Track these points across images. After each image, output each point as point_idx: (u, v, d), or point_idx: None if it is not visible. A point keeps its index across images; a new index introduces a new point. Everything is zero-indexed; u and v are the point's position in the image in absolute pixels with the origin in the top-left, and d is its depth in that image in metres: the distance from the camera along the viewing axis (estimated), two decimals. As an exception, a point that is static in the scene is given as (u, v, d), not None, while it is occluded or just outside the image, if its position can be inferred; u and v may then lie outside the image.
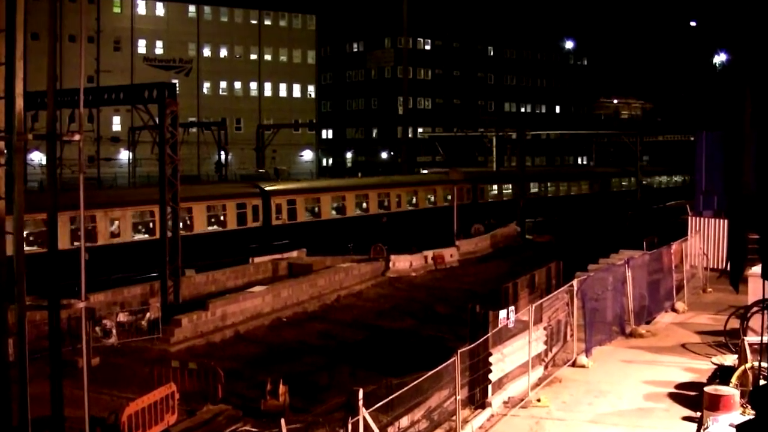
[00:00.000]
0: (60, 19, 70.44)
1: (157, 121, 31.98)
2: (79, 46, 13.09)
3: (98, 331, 27.51)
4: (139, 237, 39.54)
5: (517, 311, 18.17)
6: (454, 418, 15.44)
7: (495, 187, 67.06)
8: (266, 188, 47.71)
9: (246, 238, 44.46)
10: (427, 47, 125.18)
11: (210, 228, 44.06)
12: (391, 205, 55.02)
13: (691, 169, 41.28)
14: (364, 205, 53.76)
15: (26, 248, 37.45)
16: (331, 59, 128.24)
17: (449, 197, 57.48)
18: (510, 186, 67.93)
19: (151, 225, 39.41)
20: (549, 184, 75.34)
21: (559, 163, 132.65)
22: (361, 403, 13.05)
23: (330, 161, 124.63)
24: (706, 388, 15.73)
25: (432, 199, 58.88)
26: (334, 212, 51.58)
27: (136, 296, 32.15)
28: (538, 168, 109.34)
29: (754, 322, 20.57)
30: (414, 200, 57.56)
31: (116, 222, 38.84)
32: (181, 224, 40.94)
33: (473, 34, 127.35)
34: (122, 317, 28.98)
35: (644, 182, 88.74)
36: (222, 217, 44.62)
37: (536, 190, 72.34)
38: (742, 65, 29.17)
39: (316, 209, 50.56)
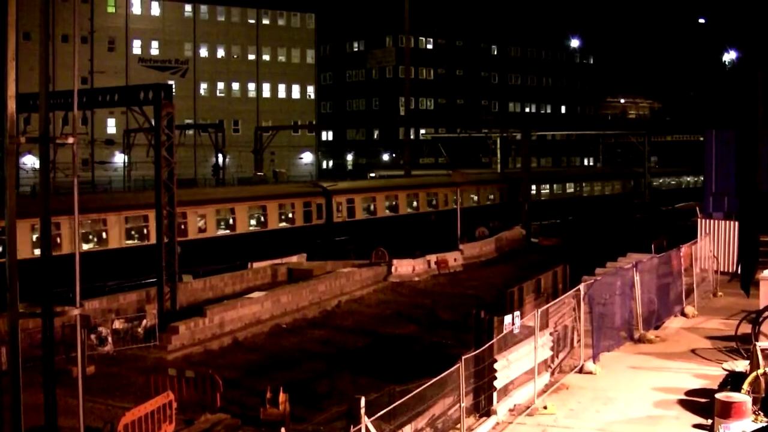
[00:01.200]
0: (52, 18, 70.58)
1: (152, 123, 31.97)
2: (73, 46, 13.14)
3: (93, 338, 27.52)
4: (221, 232, 44.42)
5: (522, 316, 18.16)
6: (458, 426, 15.42)
7: (533, 187, 70.25)
8: (328, 188, 52.41)
9: (311, 234, 48.73)
10: (430, 46, 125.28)
11: (281, 224, 48.10)
12: (439, 204, 58.61)
13: (701, 170, 41.27)
14: (414, 203, 58.21)
15: (129, 242, 37.16)
16: (330, 59, 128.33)
17: (491, 196, 63.55)
18: (548, 186, 72.56)
19: (231, 221, 44.95)
20: (584, 184, 78.24)
21: (566, 164, 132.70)
22: (363, 411, 13.04)
23: (330, 163, 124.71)
24: (717, 395, 15.71)
25: (475, 198, 63.02)
26: (387, 211, 55.58)
27: (132, 303, 32.15)
28: (563, 168, 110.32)
29: (767, 326, 20.58)
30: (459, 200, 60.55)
31: (203, 219, 43.17)
32: (254, 221, 46.87)
33: (476, 33, 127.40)
34: (118, 324, 28.99)
35: (672, 182, 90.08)
36: (291, 215, 48.90)
37: (572, 190, 75.78)
38: (752, 63, 29.15)
39: (372, 207, 54.69)
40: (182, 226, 41.30)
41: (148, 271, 34.20)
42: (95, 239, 39.14)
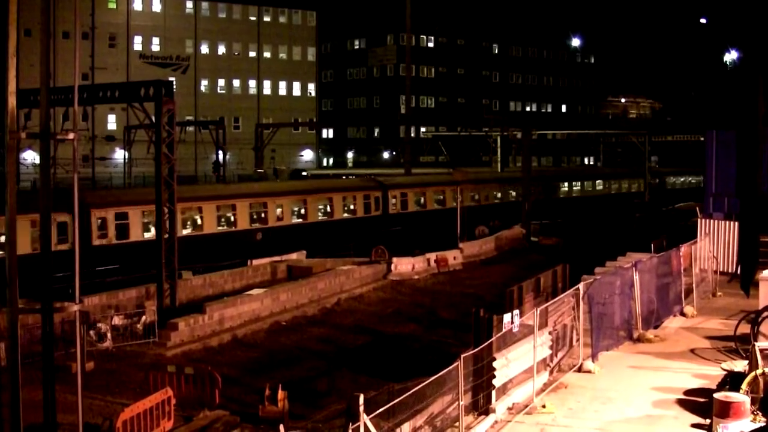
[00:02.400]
0: (53, 14, 70.54)
1: (153, 119, 31.98)
2: (74, 42, 13.12)
3: (92, 335, 27.54)
4: (295, 221, 49.23)
5: (521, 315, 18.16)
6: (457, 424, 15.43)
7: (566, 184, 77.71)
8: (384, 182, 57.47)
9: (370, 224, 53.56)
10: (431, 44, 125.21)
11: (344, 215, 53.33)
12: (481, 199, 63.99)
13: (702, 170, 41.24)
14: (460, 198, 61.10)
15: (221, 229, 41.43)
16: (331, 56, 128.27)
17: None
18: (579, 183, 79.77)
19: (302, 211, 49.58)
20: (612, 182, 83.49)
21: (566, 163, 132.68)
22: (362, 409, 13.05)
23: (331, 161, 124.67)
24: (716, 395, 15.72)
25: (514, 194, 68.10)
26: (436, 204, 60.51)
27: (131, 299, 32.13)
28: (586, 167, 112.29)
29: (766, 327, 20.59)
30: (499, 195, 66.34)
31: (281, 208, 48.61)
32: (320, 213, 51.87)
33: (478, 31, 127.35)
34: (117, 321, 29.00)
35: (692, 181, 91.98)
36: (353, 206, 54.01)
37: (601, 187, 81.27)
38: (754, 63, 29.12)
39: (422, 201, 59.59)
40: (263, 215, 47.39)
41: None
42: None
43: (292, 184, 57.66)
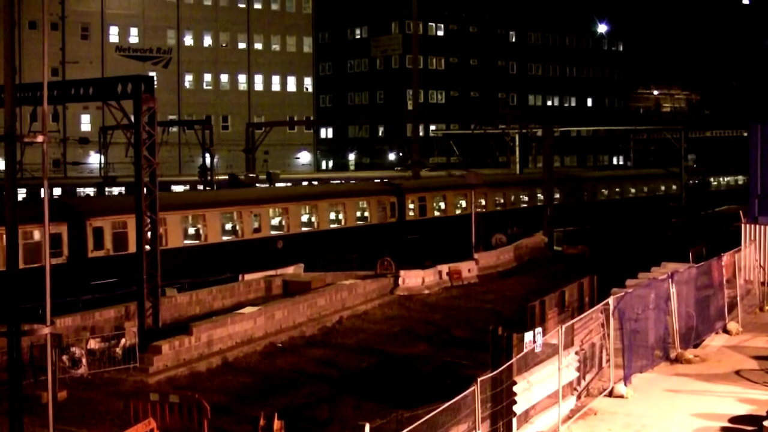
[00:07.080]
0: (18, 2, 70.82)
1: (131, 119, 31.99)
2: (42, 33, 13.09)
3: (65, 360, 27.51)
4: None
5: (544, 333, 18.14)
6: (474, 456, 15.39)
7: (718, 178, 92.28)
8: (578, 175, 76.18)
9: (567, 211, 66.32)
10: (440, 32, 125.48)
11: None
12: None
13: (745, 168, 41.14)
14: (618, 189, 79.97)
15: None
16: (330, 47, 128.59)
17: (644, 189, 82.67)
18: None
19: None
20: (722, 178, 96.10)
21: (592, 163, 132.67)
22: (367, 440, 13.02)
23: (330, 163, 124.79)
24: (766, 423, 15.65)
25: (630, 190, 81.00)
26: (617, 195, 78.81)
27: (109, 320, 32.10)
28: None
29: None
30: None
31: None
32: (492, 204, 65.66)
33: (492, 17, 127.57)
34: (93, 344, 28.96)
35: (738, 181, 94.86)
36: (558, 195, 68.24)
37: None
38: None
39: (602, 193, 76.27)
40: (482, 202, 61.16)
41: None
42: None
43: (496, 177, 71.39)
